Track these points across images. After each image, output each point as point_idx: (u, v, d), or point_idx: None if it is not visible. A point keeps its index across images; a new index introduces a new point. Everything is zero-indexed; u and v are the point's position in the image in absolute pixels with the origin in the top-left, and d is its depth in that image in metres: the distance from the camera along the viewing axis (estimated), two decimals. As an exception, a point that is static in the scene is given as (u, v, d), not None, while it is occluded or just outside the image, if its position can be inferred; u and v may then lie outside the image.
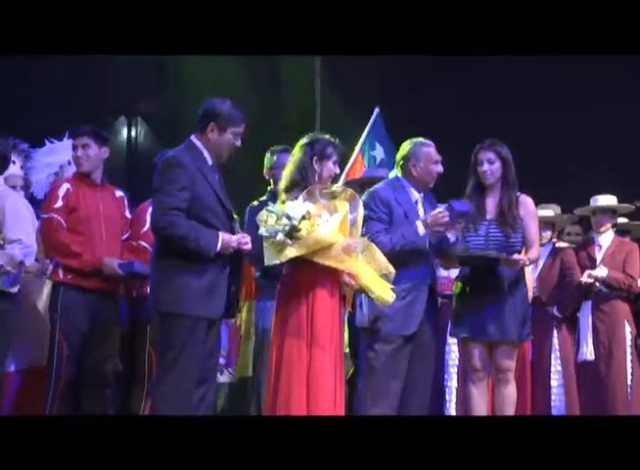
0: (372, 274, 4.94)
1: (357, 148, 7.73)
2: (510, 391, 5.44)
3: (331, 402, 4.75)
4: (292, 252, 4.73)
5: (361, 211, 5.05)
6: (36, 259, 5.51)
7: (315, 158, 4.98)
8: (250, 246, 4.63)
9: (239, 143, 4.72)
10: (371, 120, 7.93)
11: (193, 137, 4.71)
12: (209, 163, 4.68)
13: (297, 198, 4.86)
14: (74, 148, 5.53)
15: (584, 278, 6.59)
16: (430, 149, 5.47)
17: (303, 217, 4.72)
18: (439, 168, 5.45)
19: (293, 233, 4.70)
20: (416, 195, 5.47)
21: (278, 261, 4.78)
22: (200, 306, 4.51)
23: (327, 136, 5.09)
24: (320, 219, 4.82)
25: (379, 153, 7.79)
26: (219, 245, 4.51)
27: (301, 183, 4.94)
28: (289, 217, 4.71)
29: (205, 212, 4.56)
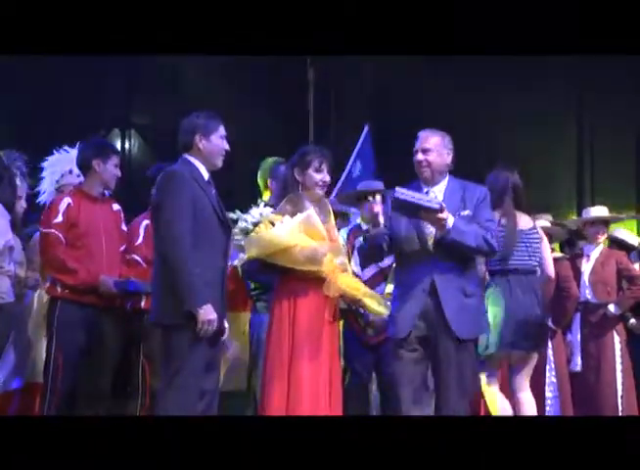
0: (359, 285, 5.03)
1: (349, 164, 7.83)
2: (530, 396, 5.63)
3: (314, 410, 4.76)
4: (251, 252, 4.91)
5: (332, 216, 5.14)
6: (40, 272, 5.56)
7: (296, 168, 5.06)
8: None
9: (227, 146, 4.81)
10: (361, 138, 8.03)
11: (185, 155, 4.76)
12: (205, 177, 4.74)
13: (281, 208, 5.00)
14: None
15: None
16: None
17: (257, 221, 4.93)
18: None
19: (248, 234, 4.93)
20: None
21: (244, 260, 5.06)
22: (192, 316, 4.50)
23: (310, 145, 5.16)
24: (278, 223, 4.94)
25: (356, 167, 7.87)
26: (201, 311, 4.47)
27: (285, 194, 5.04)
28: (245, 220, 4.94)
29: (203, 227, 4.59)
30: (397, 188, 4.72)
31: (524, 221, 5.58)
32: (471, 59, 7.05)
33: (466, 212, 4.94)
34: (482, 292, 5.26)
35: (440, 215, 4.71)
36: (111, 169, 5.57)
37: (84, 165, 5.59)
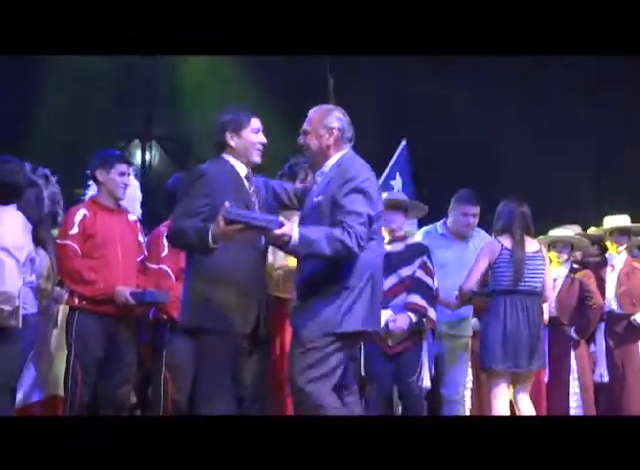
0: None
1: (382, 176, 7.86)
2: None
3: None
4: None
5: None
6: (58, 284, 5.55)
7: (284, 178, 5.10)
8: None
9: (264, 139, 4.66)
10: (397, 151, 8.04)
11: (222, 154, 4.68)
12: (242, 174, 4.64)
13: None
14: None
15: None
16: None
17: None
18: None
19: None
20: None
21: None
22: (231, 322, 4.48)
23: (298, 156, 5.14)
24: None
25: (397, 183, 7.87)
26: (210, 235, 4.31)
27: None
28: None
29: None
30: (226, 206, 4.26)
31: (530, 245, 5.99)
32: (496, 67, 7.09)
33: (317, 199, 4.45)
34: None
35: (276, 233, 4.25)
36: (115, 179, 5.51)
37: (92, 177, 5.61)
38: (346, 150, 4.52)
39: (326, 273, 4.38)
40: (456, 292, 6.07)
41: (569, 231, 6.91)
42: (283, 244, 4.30)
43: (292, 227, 4.24)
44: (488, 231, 6.47)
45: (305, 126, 4.56)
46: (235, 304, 4.47)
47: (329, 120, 4.49)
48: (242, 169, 4.65)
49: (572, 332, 6.63)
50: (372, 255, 4.43)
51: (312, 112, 4.57)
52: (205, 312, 4.48)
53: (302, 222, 4.46)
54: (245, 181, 4.63)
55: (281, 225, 4.23)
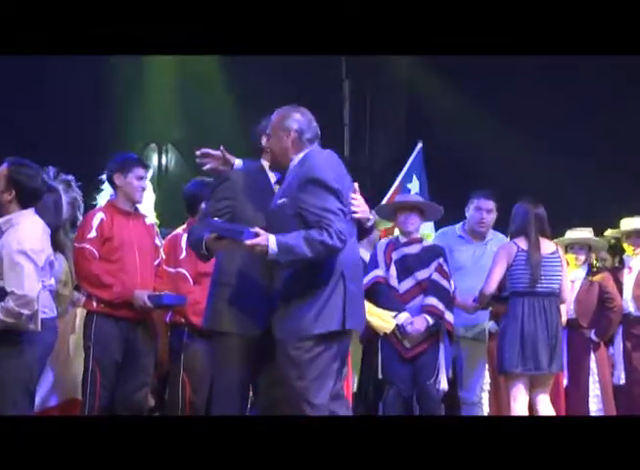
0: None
1: (399, 178, 7.89)
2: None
3: None
4: None
5: None
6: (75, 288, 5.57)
7: None
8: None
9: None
10: (413, 154, 8.03)
11: (262, 158, 4.66)
12: (274, 178, 4.58)
13: None
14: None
15: None
16: None
17: None
18: None
19: None
20: None
21: None
22: (239, 324, 4.47)
23: None
24: None
25: (414, 186, 7.88)
26: (203, 244, 4.35)
27: None
28: None
29: (250, 223, 4.35)
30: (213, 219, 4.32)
31: (546, 247, 5.98)
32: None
33: (280, 201, 4.31)
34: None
35: (248, 243, 4.14)
36: (132, 182, 5.50)
37: (109, 181, 5.61)
38: (307, 150, 4.37)
39: (298, 278, 4.26)
40: (476, 294, 6.08)
41: (586, 233, 6.89)
42: (260, 254, 4.16)
43: (267, 237, 4.12)
44: (506, 234, 6.46)
45: (267, 129, 4.49)
46: (243, 306, 4.46)
47: (286, 122, 4.37)
48: (273, 174, 4.60)
49: (592, 334, 6.61)
50: (342, 252, 4.26)
51: (274, 114, 4.46)
52: (218, 314, 4.51)
53: (268, 226, 4.29)
54: (275, 187, 4.55)
55: (255, 235, 4.13)
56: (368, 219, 4.48)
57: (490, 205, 6.58)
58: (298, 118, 4.38)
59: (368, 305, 5.02)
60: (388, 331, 5.72)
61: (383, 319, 5.37)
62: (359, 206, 4.40)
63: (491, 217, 6.63)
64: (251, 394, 4.74)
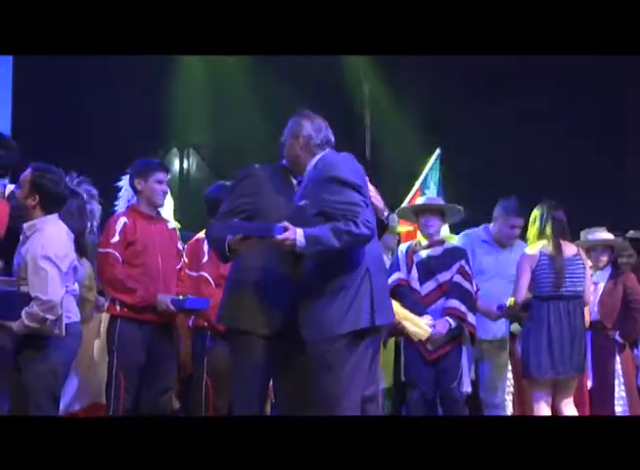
0: (397, 308, 4.97)
1: (418, 182, 7.91)
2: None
3: None
4: None
5: None
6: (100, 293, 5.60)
7: None
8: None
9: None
10: (431, 161, 8.05)
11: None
12: (293, 180, 4.60)
13: None
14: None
15: None
16: None
17: None
18: None
19: None
20: None
21: None
22: (255, 322, 4.47)
23: None
24: None
25: (431, 192, 7.89)
26: (226, 245, 4.36)
27: None
28: None
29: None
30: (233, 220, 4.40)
31: (568, 249, 5.97)
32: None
33: (301, 202, 4.37)
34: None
35: (279, 238, 4.20)
36: (153, 187, 5.53)
37: (132, 186, 5.64)
38: (321, 154, 4.46)
39: (323, 276, 4.30)
40: (500, 301, 6.07)
41: (607, 234, 6.86)
42: (290, 248, 4.21)
43: (295, 230, 4.19)
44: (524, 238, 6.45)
45: (282, 137, 4.61)
46: (263, 304, 4.45)
47: (295, 129, 4.51)
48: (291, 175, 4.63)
49: (617, 336, 6.58)
50: (365, 248, 4.32)
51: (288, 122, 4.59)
52: (237, 312, 4.50)
53: None
54: (296, 186, 4.58)
55: (285, 230, 4.20)
56: (384, 210, 4.56)
57: (522, 222, 6.55)
58: (306, 125, 4.49)
59: (402, 310, 5.04)
60: (423, 338, 5.70)
61: (418, 325, 5.31)
62: (374, 196, 4.50)
63: (519, 230, 6.63)
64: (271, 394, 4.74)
